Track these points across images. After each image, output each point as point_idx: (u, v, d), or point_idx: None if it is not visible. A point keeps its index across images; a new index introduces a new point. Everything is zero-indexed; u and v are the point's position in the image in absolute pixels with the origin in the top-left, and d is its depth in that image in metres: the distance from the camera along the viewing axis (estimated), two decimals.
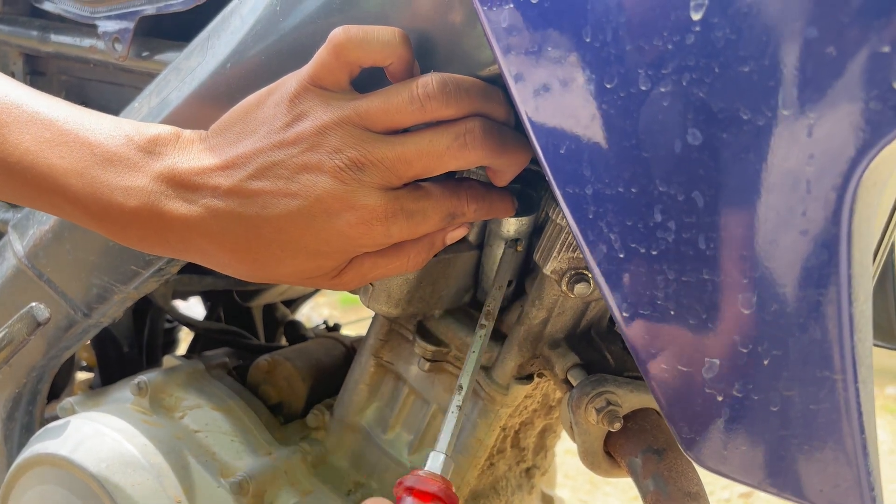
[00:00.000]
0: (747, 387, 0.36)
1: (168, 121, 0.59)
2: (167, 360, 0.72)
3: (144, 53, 0.69)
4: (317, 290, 1.11)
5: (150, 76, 0.70)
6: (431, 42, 0.46)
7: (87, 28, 0.72)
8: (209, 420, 0.67)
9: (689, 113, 0.33)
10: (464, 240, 0.62)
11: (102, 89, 0.79)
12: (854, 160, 0.30)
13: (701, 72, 0.32)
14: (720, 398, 0.37)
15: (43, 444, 0.65)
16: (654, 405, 0.57)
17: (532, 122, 0.38)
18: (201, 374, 0.71)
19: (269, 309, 1.06)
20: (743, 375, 0.36)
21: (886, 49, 0.28)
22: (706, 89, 0.32)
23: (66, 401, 0.72)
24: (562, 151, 0.37)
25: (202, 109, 0.57)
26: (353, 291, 0.64)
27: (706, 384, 0.37)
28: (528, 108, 0.38)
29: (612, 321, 0.65)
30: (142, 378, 0.67)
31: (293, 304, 1.12)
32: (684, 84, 0.33)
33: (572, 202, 0.38)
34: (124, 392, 0.69)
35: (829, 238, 0.32)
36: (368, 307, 0.60)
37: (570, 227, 0.39)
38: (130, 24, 0.67)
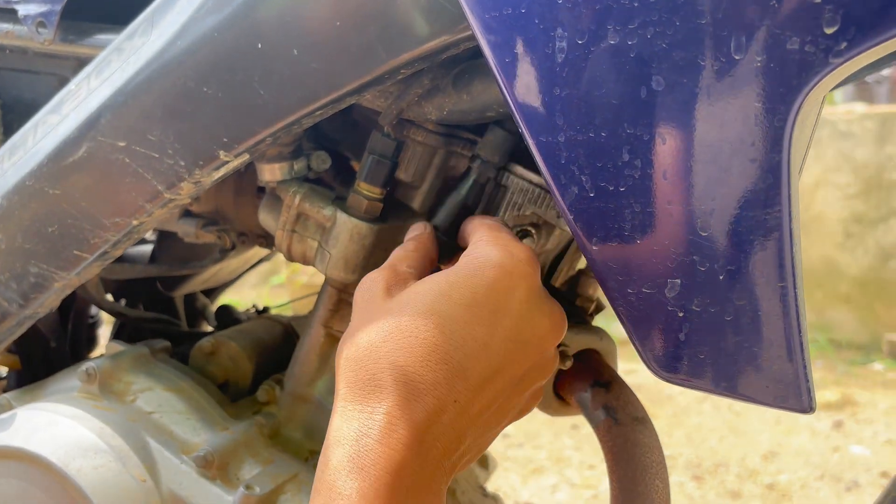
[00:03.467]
0: (705, 301, 0.42)
1: (112, 101, 0.59)
2: (110, 347, 0.72)
3: (71, 37, 0.68)
4: (237, 279, 1.11)
5: (78, 60, 0.70)
6: (392, 13, 0.49)
7: (4, 13, 0.70)
8: (162, 401, 0.67)
9: (654, 62, 0.38)
10: (409, 208, 0.66)
11: (15, 78, 0.77)
12: (793, 96, 0.36)
13: (664, 25, 0.37)
14: (681, 314, 0.43)
15: None
16: (596, 346, 0.63)
17: (507, 79, 0.42)
18: (147, 358, 0.71)
19: (189, 299, 1.05)
20: (701, 291, 0.42)
21: (818, 0, 0.34)
22: (668, 40, 0.37)
23: (2, 397, 0.70)
24: (536, 104, 0.42)
25: (150, 88, 0.58)
26: (306, 263, 0.66)
27: (669, 303, 0.43)
28: (503, 65, 0.42)
29: (553, 276, 0.70)
30: (90, 364, 0.66)
31: (213, 292, 1.11)
32: (649, 37, 0.38)
33: (545, 149, 0.42)
34: (69, 381, 0.69)
35: (774, 164, 0.38)
36: (327, 275, 0.63)
37: (542, 174, 0.43)
38: (57, 7, 0.66)
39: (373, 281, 0.48)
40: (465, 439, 0.42)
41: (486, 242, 0.47)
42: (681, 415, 2.60)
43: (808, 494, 2.08)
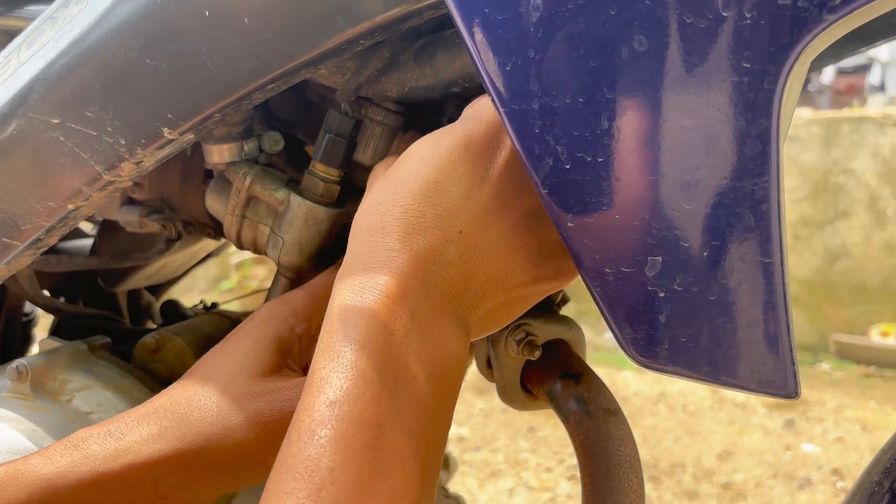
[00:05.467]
0: (687, 280, 0.39)
1: (45, 74, 0.54)
2: (44, 343, 0.67)
3: None
4: (182, 276, 1.06)
5: (7, 34, 0.65)
6: None
7: None
8: (101, 400, 0.63)
9: (636, 20, 0.35)
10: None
11: None
12: (784, 56, 0.34)
13: None
14: (662, 294, 0.40)
15: None
16: (565, 336, 0.60)
17: (476, 42, 0.39)
18: (85, 355, 0.66)
19: (133, 295, 1.00)
20: (684, 269, 0.39)
21: None
22: None
23: None
24: (507, 69, 0.39)
25: (87, 60, 0.53)
26: (256, 251, 0.62)
27: (649, 282, 0.40)
28: (472, 27, 0.39)
29: None
30: (21, 362, 0.61)
31: (158, 289, 1.06)
32: None
33: (517, 118, 0.40)
34: None
35: (763, 130, 0.35)
36: (279, 262, 0.59)
37: (513, 145, 0.40)
38: None
39: (377, 166, 0.51)
40: (478, 273, 0.42)
41: (483, 99, 0.47)
42: (636, 416, 2.61)
43: (763, 493, 2.09)
